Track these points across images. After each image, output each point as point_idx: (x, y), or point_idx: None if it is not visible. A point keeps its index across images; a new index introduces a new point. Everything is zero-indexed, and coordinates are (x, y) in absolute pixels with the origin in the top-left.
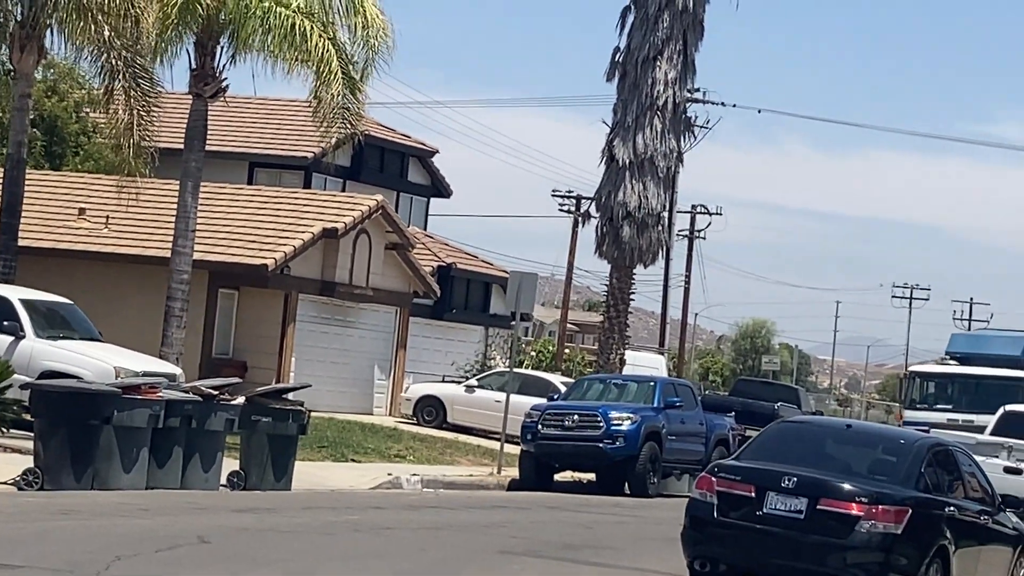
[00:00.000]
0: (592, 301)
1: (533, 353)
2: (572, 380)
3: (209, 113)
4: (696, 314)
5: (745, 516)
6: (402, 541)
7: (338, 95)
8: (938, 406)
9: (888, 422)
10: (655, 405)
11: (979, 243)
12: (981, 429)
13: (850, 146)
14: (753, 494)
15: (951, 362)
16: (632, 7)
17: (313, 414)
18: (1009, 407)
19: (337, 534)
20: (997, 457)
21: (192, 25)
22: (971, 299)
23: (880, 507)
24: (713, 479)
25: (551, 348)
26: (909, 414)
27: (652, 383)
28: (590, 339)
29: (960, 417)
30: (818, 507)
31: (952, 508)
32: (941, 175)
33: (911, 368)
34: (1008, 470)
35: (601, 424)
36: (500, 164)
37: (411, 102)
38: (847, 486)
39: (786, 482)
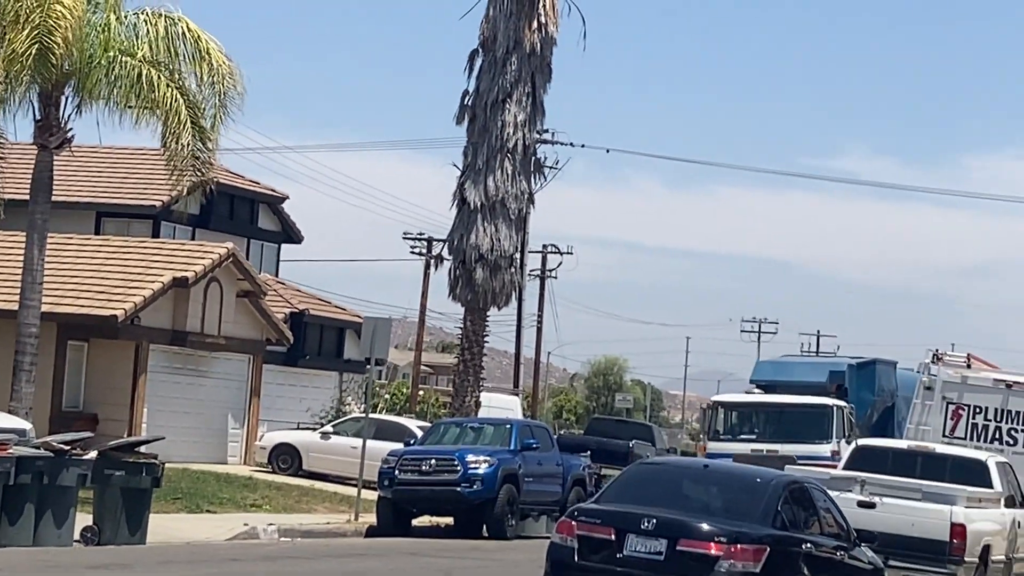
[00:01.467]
0: (445, 342)
1: (387, 396)
2: (427, 423)
3: (55, 163)
4: (549, 353)
5: (606, 559)
6: None
7: (188, 144)
8: (742, 436)
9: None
10: (511, 447)
11: (825, 276)
12: (788, 460)
13: (698, 183)
14: (613, 537)
15: (756, 391)
16: (480, 50)
17: (167, 465)
18: (862, 441)
19: None
20: (851, 492)
21: (39, 76)
22: (818, 331)
23: (739, 546)
24: (573, 523)
25: (405, 391)
26: (713, 446)
27: (508, 425)
28: (444, 380)
29: (765, 447)
30: (677, 548)
31: (809, 545)
32: (787, 210)
33: (714, 398)
34: (862, 504)
35: (458, 468)
36: (351, 208)
37: (259, 147)
38: (705, 526)
39: (645, 524)
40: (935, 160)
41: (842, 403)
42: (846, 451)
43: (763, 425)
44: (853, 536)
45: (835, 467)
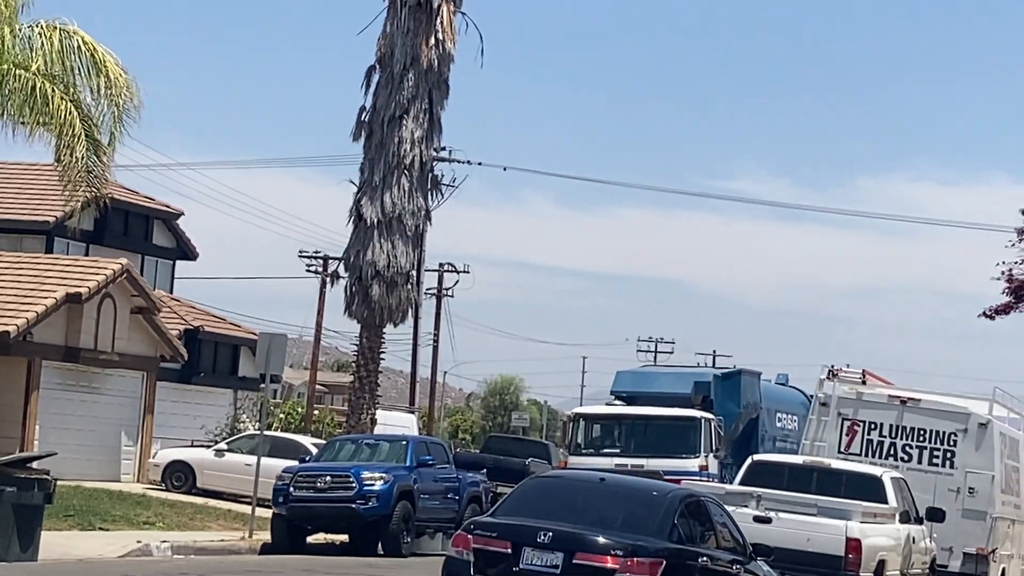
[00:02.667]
0: (341, 361)
1: (282, 415)
2: (323, 441)
3: None
4: (445, 372)
5: (502, 572)
6: None
7: (82, 157)
8: (605, 450)
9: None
10: (407, 464)
11: (722, 296)
12: (654, 475)
13: (595, 203)
14: (510, 550)
15: (617, 402)
16: (377, 66)
17: (59, 483)
18: (757, 456)
19: None
20: (747, 507)
21: None
22: (714, 352)
23: (635, 559)
24: (469, 536)
25: (300, 410)
26: (574, 460)
27: (404, 442)
28: (339, 400)
29: (629, 462)
30: (574, 561)
31: (705, 558)
32: (683, 230)
33: (575, 410)
34: (758, 519)
35: (353, 484)
36: (247, 225)
37: (154, 164)
38: (602, 539)
39: (542, 537)
40: (829, 182)
41: (709, 416)
42: (714, 465)
43: (627, 438)
44: (749, 550)
45: (703, 483)
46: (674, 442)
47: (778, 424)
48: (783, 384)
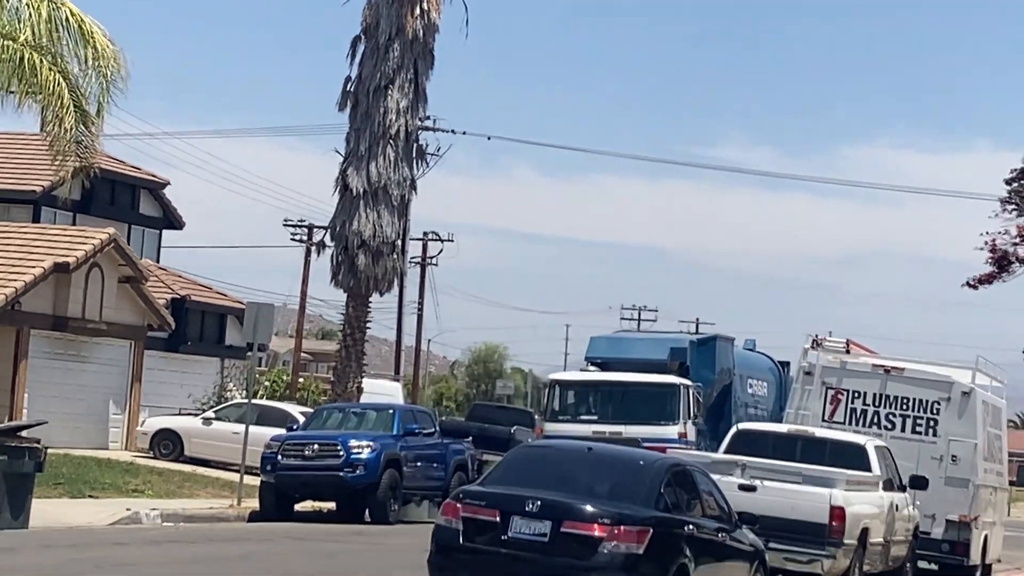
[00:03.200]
0: (326, 329)
1: (268, 383)
2: (310, 409)
3: None
4: (429, 340)
5: (491, 541)
6: None
7: (71, 128)
8: (582, 417)
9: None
10: (394, 432)
11: (705, 264)
12: (632, 442)
13: (577, 172)
14: (498, 519)
15: (592, 368)
16: (363, 36)
17: (48, 451)
18: (742, 425)
19: (80, 572)
20: (732, 475)
21: None
22: (697, 319)
23: (622, 528)
24: (459, 505)
25: (285, 378)
26: (551, 427)
27: (391, 411)
28: (324, 368)
29: (607, 429)
30: (562, 530)
31: (692, 527)
32: (666, 198)
33: (551, 376)
34: (743, 487)
35: (341, 453)
36: (232, 195)
37: (140, 133)
38: (589, 508)
39: (530, 506)
40: (812, 150)
41: (688, 382)
42: (692, 432)
43: (605, 405)
44: (735, 518)
45: (687, 451)
46: (653, 409)
47: (749, 390)
48: (751, 350)
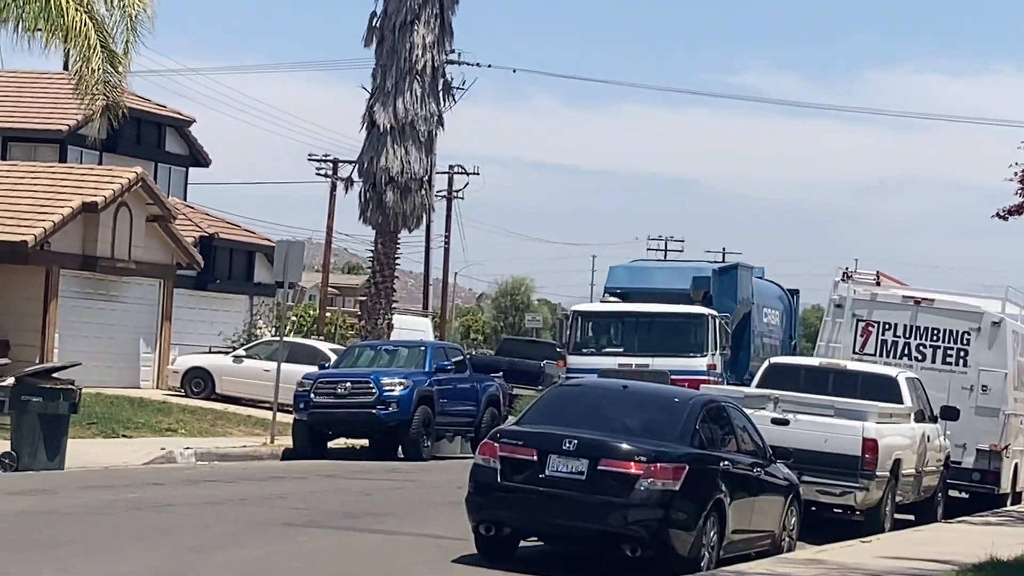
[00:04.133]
0: (352, 264)
1: (294, 318)
2: (340, 347)
3: None
4: (456, 273)
5: (528, 479)
6: (185, 517)
7: (98, 68)
8: (606, 350)
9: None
10: (426, 369)
11: (730, 193)
12: (660, 375)
13: (601, 102)
14: (535, 457)
15: (612, 299)
16: None
17: (82, 391)
18: (774, 359)
19: (118, 513)
20: (764, 409)
21: None
22: (723, 249)
23: (658, 465)
24: (496, 444)
25: (312, 312)
26: (574, 360)
27: (423, 348)
28: (351, 302)
29: (633, 361)
30: (599, 467)
31: (727, 462)
32: (690, 128)
33: (573, 307)
34: (776, 421)
35: (373, 390)
36: (257, 131)
37: (164, 70)
38: (625, 446)
39: (567, 445)
40: (837, 75)
41: (715, 312)
42: (720, 364)
43: (630, 336)
44: (769, 453)
45: (711, 383)
46: (681, 340)
47: (764, 319)
48: (760, 277)
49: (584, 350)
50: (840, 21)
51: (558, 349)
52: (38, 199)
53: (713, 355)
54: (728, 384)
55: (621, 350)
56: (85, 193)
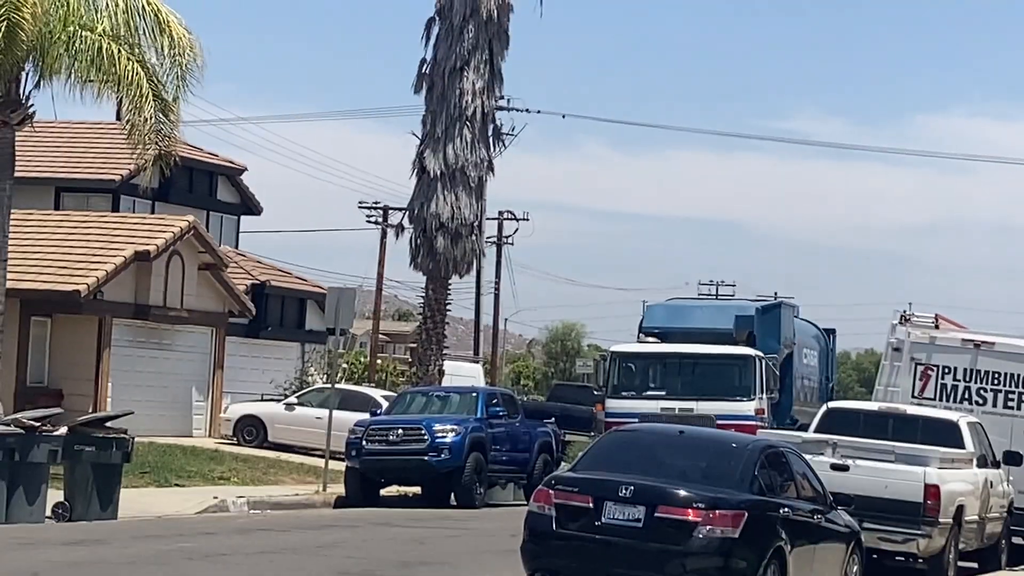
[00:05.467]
0: (401, 311)
1: (345, 365)
2: (392, 393)
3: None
4: (506, 319)
5: (584, 527)
6: (238, 567)
7: (151, 117)
8: (648, 393)
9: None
10: (478, 416)
11: (780, 237)
12: (706, 420)
13: (650, 147)
14: (591, 504)
15: (650, 340)
16: (436, 18)
17: (135, 440)
18: (832, 404)
19: (171, 563)
20: (823, 455)
21: (6, 53)
22: (775, 293)
23: (717, 512)
24: (551, 491)
25: (363, 359)
26: (613, 404)
27: (474, 394)
28: (401, 348)
29: (677, 405)
30: (656, 515)
31: (787, 509)
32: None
33: (613, 347)
34: (835, 467)
35: (426, 437)
36: (308, 178)
37: (215, 119)
38: (683, 492)
39: (623, 491)
40: (886, 120)
41: (761, 353)
42: (767, 408)
43: (672, 379)
44: (829, 499)
45: (757, 428)
46: (726, 383)
47: (804, 360)
48: (797, 317)
49: (624, 393)
50: (887, 66)
51: (595, 392)
52: (91, 249)
53: (760, 399)
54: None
55: (663, 393)
56: (137, 242)
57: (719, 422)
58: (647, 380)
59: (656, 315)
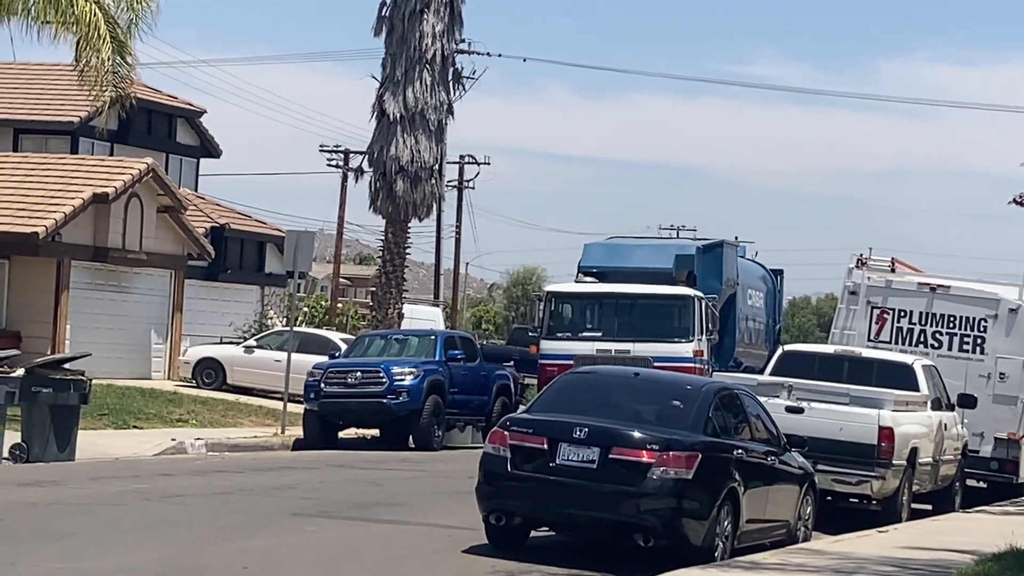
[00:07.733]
0: (363, 254)
1: (306, 309)
2: (351, 336)
3: None
4: (467, 263)
5: (539, 468)
6: (194, 508)
7: (108, 58)
8: (583, 334)
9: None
10: (437, 359)
11: (741, 182)
12: (642, 361)
13: (612, 92)
14: (546, 446)
15: (588, 280)
16: None
17: (92, 382)
18: (788, 347)
19: (128, 504)
20: (778, 397)
21: None
22: (736, 237)
23: (671, 453)
24: (506, 433)
25: (324, 303)
26: (548, 345)
27: (433, 337)
28: (362, 292)
29: (613, 347)
30: (610, 456)
31: (740, 451)
32: (701, 117)
33: (547, 287)
34: (790, 409)
35: (384, 380)
36: (268, 121)
37: (174, 61)
38: (637, 434)
39: (578, 433)
40: (847, 64)
41: (701, 294)
42: (707, 349)
43: (608, 320)
44: (783, 441)
45: (696, 370)
46: (664, 324)
47: (748, 301)
48: (742, 256)
49: (559, 334)
50: (850, 10)
51: (530, 333)
52: (49, 191)
53: (700, 340)
54: (713, 371)
55: (599, 334)
56: (96, 184)
57: (656, 364)
58: (583, 321)
59: (594, 254)
